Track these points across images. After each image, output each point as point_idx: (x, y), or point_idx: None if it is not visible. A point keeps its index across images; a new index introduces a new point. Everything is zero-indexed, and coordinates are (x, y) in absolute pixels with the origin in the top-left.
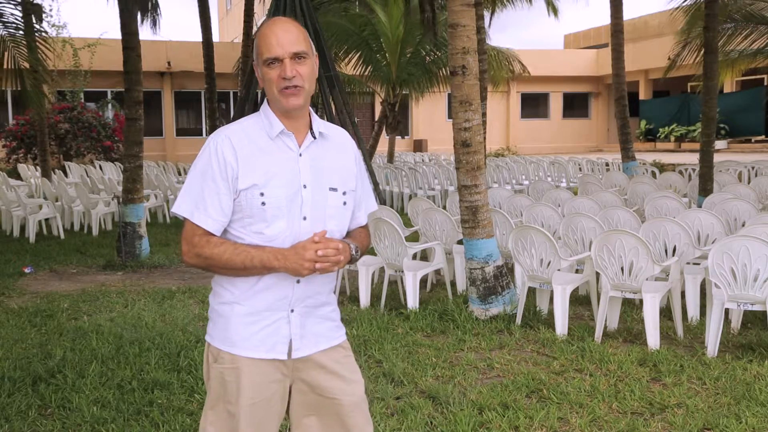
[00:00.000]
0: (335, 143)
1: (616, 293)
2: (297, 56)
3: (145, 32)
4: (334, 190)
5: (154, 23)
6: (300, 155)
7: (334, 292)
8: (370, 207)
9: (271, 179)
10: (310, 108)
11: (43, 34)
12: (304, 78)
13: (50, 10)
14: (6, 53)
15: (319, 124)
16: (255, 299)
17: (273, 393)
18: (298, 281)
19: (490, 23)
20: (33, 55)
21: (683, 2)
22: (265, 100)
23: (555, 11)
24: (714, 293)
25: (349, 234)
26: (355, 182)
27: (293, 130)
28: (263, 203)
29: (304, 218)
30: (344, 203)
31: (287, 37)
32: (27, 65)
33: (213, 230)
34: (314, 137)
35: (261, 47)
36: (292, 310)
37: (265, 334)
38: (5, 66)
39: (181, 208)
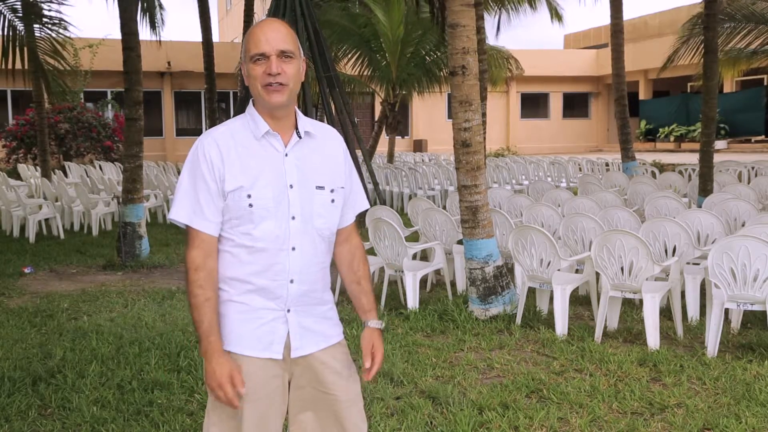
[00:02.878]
0: (322, 141)
1: (616, 293)
2: (284, 54)
3: (144, 33)
4: (321, 188)
5: (153, 26)
6: (286, 155)
7: (332, 291)
8: (360, 206)
9: (258, 180)
10: (296, 108)
11: (61, 33)
12: (289, 77)
13: (49, 10)
14: (18, 49)
15: (305, 123)
16: (250, 298)
17: (274, 389)
18: (291, 281)
19: (498, 27)
20: (56, 53)
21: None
22: (251, 101)
23: (559, 18)
24: (714, 293)
25: (353, 276)
26: (344, 180)
27: (279, 130)
28: (250, 205)
29: (293, 218)
30: (332, 201)
31: (275, 35)
32: (50, 62)
33: (212, 232)
34: (299, 137)
35: (249, 44)
36: (289, 310)
37: (261, 333)
38: (25, 65)
39: (179, 214)
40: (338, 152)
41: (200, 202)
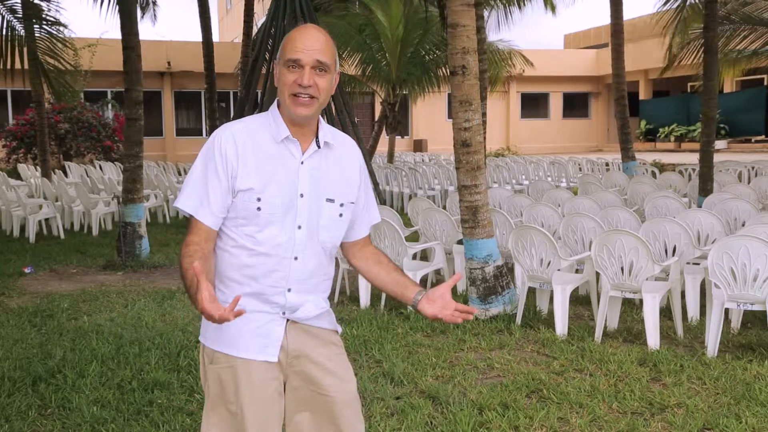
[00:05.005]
0: (340, 154)
1: (616, 293)
2: (319, 67)
3: (144, 31)
4: (331, 201)
5: (154, 17)
6: (302, 163)
7: (331, 292)
8: (373, 219)
9: (269, 185)
10: (320, 116)
11: (60, 33)
12: (320, 90)
13: (48, 11)
14: (17, 49)
15: (326, 132)
16: (245, 301)
17: (272, 392)
18: (289, 289)
19: (500, 21)
20: (56, 54)
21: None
22: (276, 102)
23: (552, 7)
24: (714, 293)
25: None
26: (357, 194)
27: (298, 136)
28: (259, 208)
29: (299, 227)
30: (340, 215)
31: (315, 44)
32: (50, 62)
33: (213, 226)
34: (318, 146)
35: (286, 47)
36: (283, 313)
37: (256, 335)
38: (25, 65)
39: (185, 204)
40: (355, 166)
41: (209, 195)
